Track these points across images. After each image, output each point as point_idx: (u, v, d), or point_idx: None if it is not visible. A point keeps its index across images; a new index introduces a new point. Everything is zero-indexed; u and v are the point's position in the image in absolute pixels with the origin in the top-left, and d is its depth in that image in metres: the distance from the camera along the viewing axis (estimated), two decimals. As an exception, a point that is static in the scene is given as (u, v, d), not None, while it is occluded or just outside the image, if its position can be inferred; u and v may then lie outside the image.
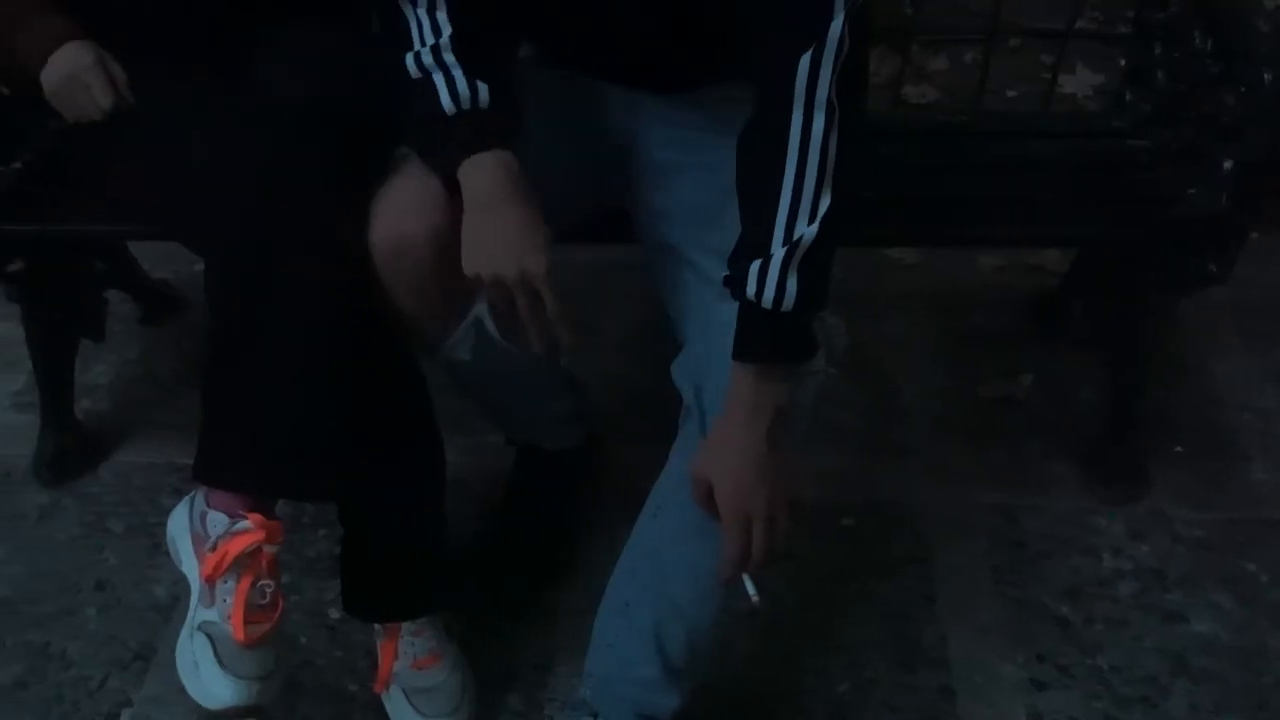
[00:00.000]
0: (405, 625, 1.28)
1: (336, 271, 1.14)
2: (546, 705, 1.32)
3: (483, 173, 1.06)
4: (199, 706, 1.24)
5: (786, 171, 0.97)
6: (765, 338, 0.99)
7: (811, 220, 0.97)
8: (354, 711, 1.32)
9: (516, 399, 1.38)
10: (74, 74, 1.23)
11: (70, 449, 1.63)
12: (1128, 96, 1.53)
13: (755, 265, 0.98)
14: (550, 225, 1.06)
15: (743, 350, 0.99)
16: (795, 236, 0.96)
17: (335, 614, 1.41)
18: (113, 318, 1.74)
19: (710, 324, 1.05)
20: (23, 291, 1.51)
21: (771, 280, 0.97)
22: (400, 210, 1.12)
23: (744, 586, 1.05)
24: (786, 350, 1.01)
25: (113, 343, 1.78)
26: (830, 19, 0.94)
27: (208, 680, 1.11)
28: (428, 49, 1.08)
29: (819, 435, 1.60)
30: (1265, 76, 1.25)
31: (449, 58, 1.08)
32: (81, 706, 1.34)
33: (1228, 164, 1.28)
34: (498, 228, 1.05)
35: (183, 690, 1.30)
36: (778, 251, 0.96)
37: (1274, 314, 1.82)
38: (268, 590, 1.13)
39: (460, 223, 1.07)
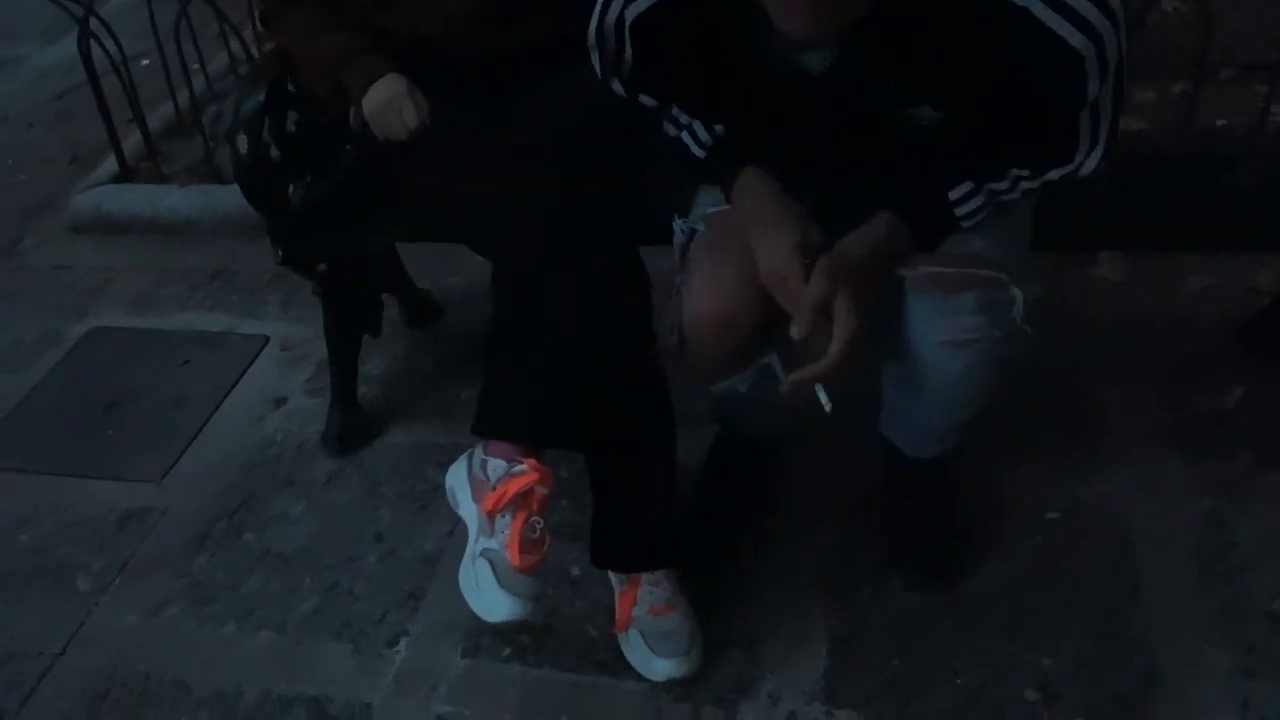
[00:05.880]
0: (645, 576, 1.45)
1: (598, 270, 1.35)
2: (766, 660, 1.46)
3: (741, 188, 1.24)
4: (469, 630, 1.47)
5: None
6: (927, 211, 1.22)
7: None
8: (594, 651, 1.49)
9: (759, 408, 1.51)
10: (391, 100, 1.50)
11: (353, 427, 1.90)
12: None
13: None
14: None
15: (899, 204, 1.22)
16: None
17: (576, 571, 1.59)
18: (384, 320, 2.03)
19: None
20: (325, 289, 1.80)
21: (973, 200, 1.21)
22: (699, 301, 1.29)
23: (818, 395, 1.19)
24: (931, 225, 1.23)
25: (383, 342, 2.07)
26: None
27: (489, 597, 1.31)
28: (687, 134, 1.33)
29: (1020, 447, 1.69)
30: None
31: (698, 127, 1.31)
32: (368, 633, 1.57)
33: None
34: (766, 221, 1.22)
35: (448, 626, 1.52)
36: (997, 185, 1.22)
37: None
38: (538, 526, 1.33)
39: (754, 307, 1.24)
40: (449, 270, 2.22)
